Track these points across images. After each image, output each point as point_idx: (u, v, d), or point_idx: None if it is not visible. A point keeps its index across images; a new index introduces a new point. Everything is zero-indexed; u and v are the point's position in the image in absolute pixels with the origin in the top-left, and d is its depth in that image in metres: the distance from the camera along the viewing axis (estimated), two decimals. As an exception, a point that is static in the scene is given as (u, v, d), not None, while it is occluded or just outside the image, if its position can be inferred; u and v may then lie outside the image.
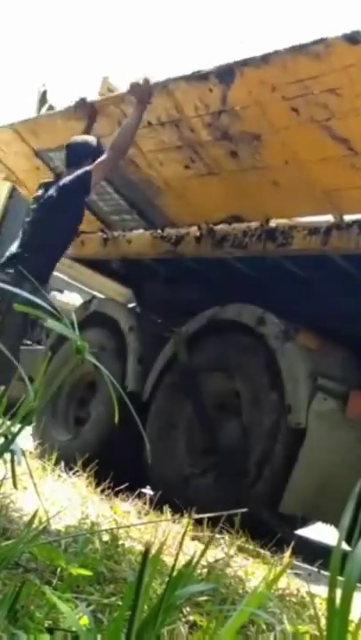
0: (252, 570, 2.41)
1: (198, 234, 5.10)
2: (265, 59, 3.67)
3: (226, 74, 3.92)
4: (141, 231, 5.66)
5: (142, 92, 4.37)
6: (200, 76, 4.06)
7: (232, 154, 4.30)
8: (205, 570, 2.04)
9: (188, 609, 1.51)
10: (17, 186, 6.41)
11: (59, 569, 1.53)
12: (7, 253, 4.64)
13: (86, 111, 4.95)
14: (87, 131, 4.91)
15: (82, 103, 4.91)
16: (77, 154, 4.61)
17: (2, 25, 35.56)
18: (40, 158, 5.67)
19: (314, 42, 3.41)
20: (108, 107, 4.84)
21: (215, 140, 4.31)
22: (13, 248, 4.61)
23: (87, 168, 4.44)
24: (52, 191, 4.56)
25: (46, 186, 4.78)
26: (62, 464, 3.50)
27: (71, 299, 7.27)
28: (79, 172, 4.45)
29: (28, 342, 7.35)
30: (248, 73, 3.81)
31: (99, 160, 4.45)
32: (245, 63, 3.79)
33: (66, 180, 4.53)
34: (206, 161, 4.50)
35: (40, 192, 4.80)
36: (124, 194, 5.35)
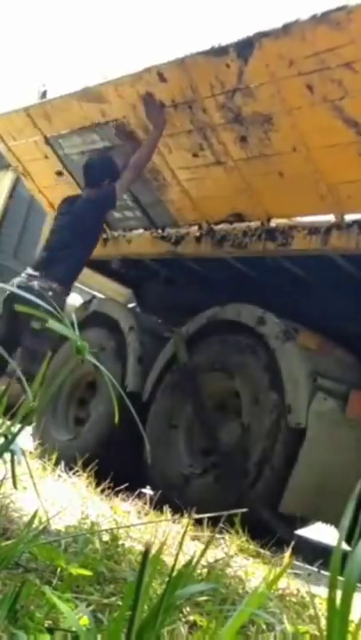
0: (252, 570, 2.40)
1: (198, 234, 5.10)
2: (286, 29, 3.70)
3: (245, 46, 3.94)
4: (141, 231, 5.66)
5: (158, 117, 4.62)
6: (219, 50, 4.07)
7: (242, 139, 4.31)
8: (205, 570, 2.04)
9: (188, 609, 1.51)
10: (22, 177, 6.39)
11: (59, 569, 1.53)
12: (37, 258, 4.99)
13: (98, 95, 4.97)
14: (101, 114, 4.99)
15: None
16: (96, 175, 4.87)
17: (2, 24, 35.56)
18: (50, 145, 5.67)
19: (336, 9, 3.47)
20: (123, 88, 4.83)
21: (227, 122, 4.32)
22: (43, 253, 4.91)
23: (113, 186, 4.78)
24: (81, 204, 4.85)
25: (70, 201, 5.06)
26: (62, 464, 3.50)
27: (71, 299, 7.26)
28: (107, 189, 4.79)
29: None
30: (267, 45, 3.83)
31: (120, 180, 4.79)
32: (265, 34, 3.82)
33: (95, 195, 4.84)
34: (215, 147, 4.50)
35: (65, 207, 5.05)
36: (130, 187, 5.37)
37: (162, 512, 3.35)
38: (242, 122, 4.24)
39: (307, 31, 3.63)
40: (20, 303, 3.92)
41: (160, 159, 4.92)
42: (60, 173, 5.80)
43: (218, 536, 2.64)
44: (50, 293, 4.52)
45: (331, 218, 4.26)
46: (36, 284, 4.63)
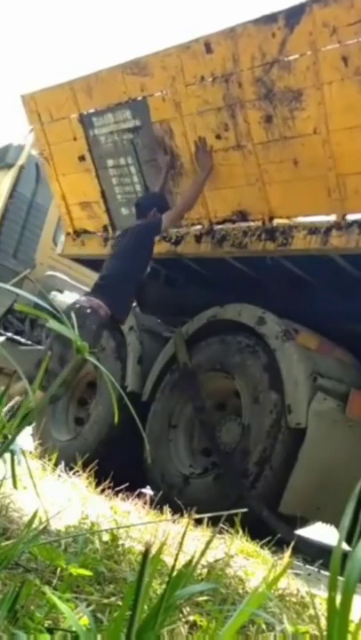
0: (252, 570, 2.40)
1: (198, 233, 5.10)
2: None
3: (296, 12, 4.03)
4: (141, 231, 5.65)
5: (206, 162, 4.79)
6: (269, 17, 4.18)
7: (267, 119, 4.34)
8: (205, 570, 2.04)
9: (188, 609, 1.51)
10: (45, 162, 6.39)
11: (59, 569, 1.53)
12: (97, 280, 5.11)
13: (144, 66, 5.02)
14: (141, 88, 5.06)
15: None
16: (145, 207, 5.08)
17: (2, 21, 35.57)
18: (82, 124, 5.68)
19: None
20: (169, 59, 4.85)
21: (257, 99, 4.35)
22: (99, 280, 4.98)
23: (160, 217, 4.95)
24: (131, 232, 5.04)
25: (123, 233, 5.24)
26: (62, 464, 3.50)
27: (71, 299, 7.27)
28: (154, 218, 4.98)
29: (29, 342, 7.35)
30: (316, 11, 3.91)
31: (170, 211, 5.00)
32: (317, 0, 3.91)
33: (144, 224, 5.02)
34: (240, 128, 4.52)
35: (119, 238, 5.25)
36: (145, 173, 5.37)
37: (162, 512, 3.35)
38: (271, 99, 4.28)
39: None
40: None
41: (183, 141, 4.93)
42: (82, 158, 5.80)
43: (218, 536, 2.64)
44: (88, 311, 4.53)
45: (331, 218, 4.26)
46: (82, 300, 4.69)
